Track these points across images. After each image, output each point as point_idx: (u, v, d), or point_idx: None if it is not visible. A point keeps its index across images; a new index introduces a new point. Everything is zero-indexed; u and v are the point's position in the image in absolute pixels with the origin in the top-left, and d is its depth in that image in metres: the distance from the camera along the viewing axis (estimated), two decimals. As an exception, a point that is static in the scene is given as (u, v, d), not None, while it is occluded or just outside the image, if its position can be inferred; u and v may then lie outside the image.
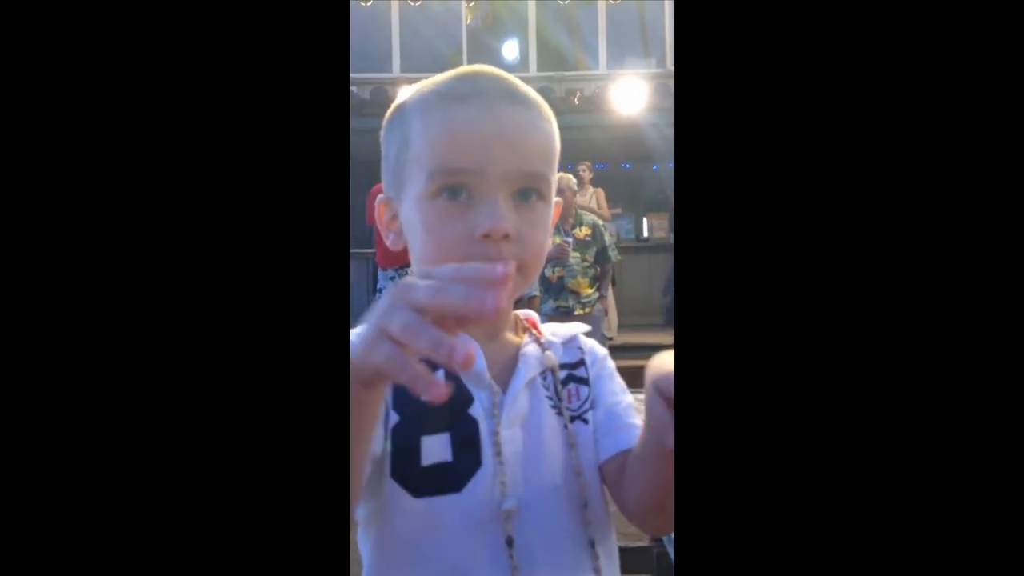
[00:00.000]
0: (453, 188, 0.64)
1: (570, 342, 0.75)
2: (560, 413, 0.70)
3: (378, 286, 4.58)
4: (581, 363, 0.75)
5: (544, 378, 0.71)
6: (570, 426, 0.70)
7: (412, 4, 9.00)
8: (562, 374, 0.72)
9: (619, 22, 9.11)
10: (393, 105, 0.71)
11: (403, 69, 8.86)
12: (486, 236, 0.63)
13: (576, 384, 0.73)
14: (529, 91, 0.69)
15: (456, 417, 0.66)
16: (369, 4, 8.89)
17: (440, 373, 0.66)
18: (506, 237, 0.64)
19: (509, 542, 0.63)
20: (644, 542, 2.28)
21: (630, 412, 0.73)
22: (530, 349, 0.71)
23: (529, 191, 0.66)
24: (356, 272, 7.55)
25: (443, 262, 0.66)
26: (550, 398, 0.70)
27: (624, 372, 0.76)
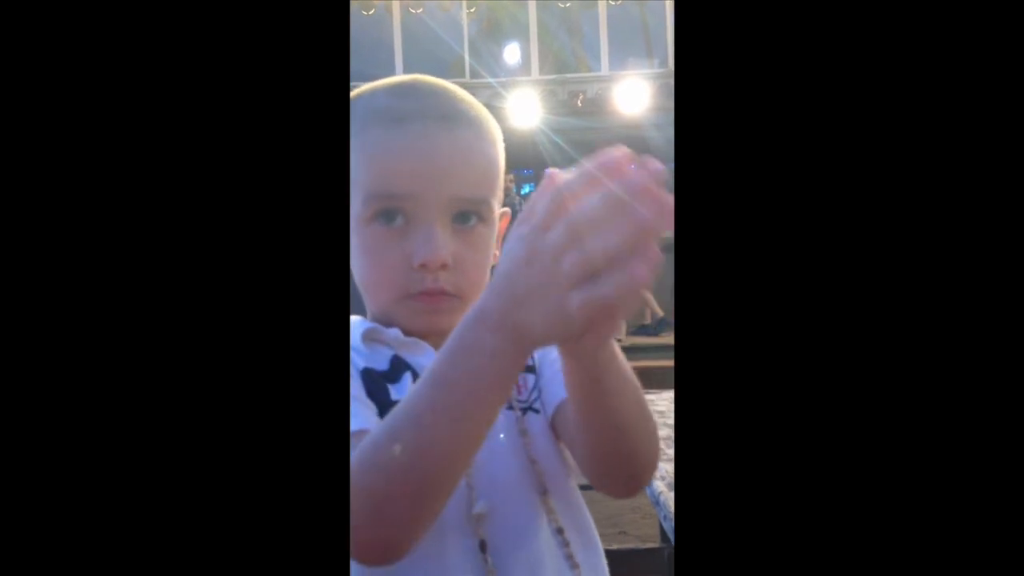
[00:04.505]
0: (389, 213, 0.63)
1: None
2: (511, 407, 0.67)
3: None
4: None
5: None
6: (521, 417, 0.67)
7: (413, 12, 9.03)
8: None
9: (620, 23, 9.11)
10: None
11: (406, 76, 8.87)
12: (422, 266, 0.63)
13: (522, 374, 0.68)
14: (472, 108, 0.67)
15: None
16: (371, 13, 8.92)
17: (408, 375, 0.63)
18: (443, 266, 0.63)
19: (482, 546, 0.62)
20: (655, 543, 2.27)
21: None
22: None
23: (468, 214, 0.65)
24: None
25: (380, 289, 0.65)
26: None
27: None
